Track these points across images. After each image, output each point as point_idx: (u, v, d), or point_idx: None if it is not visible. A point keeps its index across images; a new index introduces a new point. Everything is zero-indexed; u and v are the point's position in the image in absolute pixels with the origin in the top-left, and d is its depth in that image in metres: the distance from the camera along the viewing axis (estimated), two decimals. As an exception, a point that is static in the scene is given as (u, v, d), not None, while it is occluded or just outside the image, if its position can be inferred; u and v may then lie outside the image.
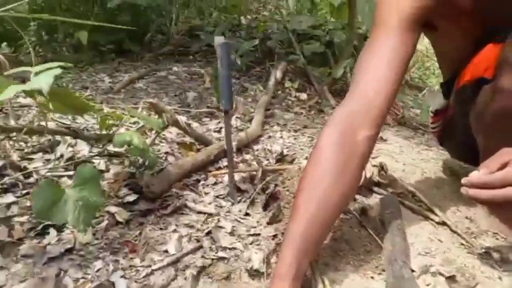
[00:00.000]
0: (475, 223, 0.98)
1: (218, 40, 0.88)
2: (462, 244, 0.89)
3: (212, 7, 3.06)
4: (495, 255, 0.85)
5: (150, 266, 0.76)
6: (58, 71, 0.81)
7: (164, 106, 1.13)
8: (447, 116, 1.07)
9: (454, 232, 0.93)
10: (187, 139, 1.30)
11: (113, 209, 0.89)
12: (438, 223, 0.96)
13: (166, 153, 1.20)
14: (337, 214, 0.75)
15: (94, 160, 1.05)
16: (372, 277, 0.79)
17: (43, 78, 0.81)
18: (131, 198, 0.94)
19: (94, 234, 0.80)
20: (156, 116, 1.12)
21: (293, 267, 0.65)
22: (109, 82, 1.88)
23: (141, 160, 1.04)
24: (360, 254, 0.85)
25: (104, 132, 1.05)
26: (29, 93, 0.85)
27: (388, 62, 0.76)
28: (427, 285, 0.77)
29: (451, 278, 0.78)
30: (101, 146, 1.06)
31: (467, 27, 0.84)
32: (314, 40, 2.34)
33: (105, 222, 0.85)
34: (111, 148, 1.08)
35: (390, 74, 0.76)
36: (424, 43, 2.64)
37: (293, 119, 1.69)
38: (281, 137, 1.50)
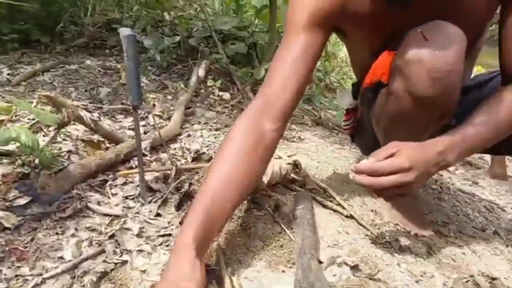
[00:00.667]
0: (379, 215, 1.04)
1: (124, 31, 0.82)
2: (367, 235, 0.94)
3: (132, 1, 2.91)
4: (395, 244, 0.91)
5: (41, 274, 0.68)
6: None
7: (64, 100, 1.03)
8: (357, 115, 1.13)
9: (360, 224, 0.98)
10: (96, 136, 1.20)
11: (-2, 213, 0.78)
12: (346, 216, 1.00)
13: (69, 151, 1.10)
14: (241, 194, 0.75)
15: (-23, 159, 0.91)
16: (283, 271, 0.79)
17: None
18: (22, 201, 0.84)
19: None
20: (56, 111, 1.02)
21: (194, 241, 0.64)
22: (8, 74, 1.67)
23: (36, 160, 0.93)
24: (272, 249, 0.85)
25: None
26: None
27: (295, 60, 0.79)
28: (334, 275, 0.80)
29: (355, 268, 0.82)
30: (-13, 143, 0.93)
31: (370, 36, 0.89)
32: (238, 41, 2.34)
33: (-13, 228, 0.74)
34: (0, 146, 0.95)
35: (296, 72, 0.79)
36: (344, 50, 2.81)
37: (215, 118, 1.66)
38: (201, 135, 1.47)
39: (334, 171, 1.24)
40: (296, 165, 1.10)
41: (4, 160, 0.94)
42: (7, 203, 0.82)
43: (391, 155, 0.73)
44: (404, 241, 0.93)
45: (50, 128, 1.17)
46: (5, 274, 0.66)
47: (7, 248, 0.72)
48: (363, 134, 1.15)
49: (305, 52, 0.80)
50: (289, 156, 1.22)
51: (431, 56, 0.73)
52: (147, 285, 0.71)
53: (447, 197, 1.24)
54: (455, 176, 1.48)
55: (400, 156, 0.73)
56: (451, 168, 1.52)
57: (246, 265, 0.80)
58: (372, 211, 1.06)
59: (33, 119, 1.18)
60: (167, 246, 0.83)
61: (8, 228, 0.77)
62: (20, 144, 0.79)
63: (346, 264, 0.83)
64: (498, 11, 0.84)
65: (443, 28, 0.75)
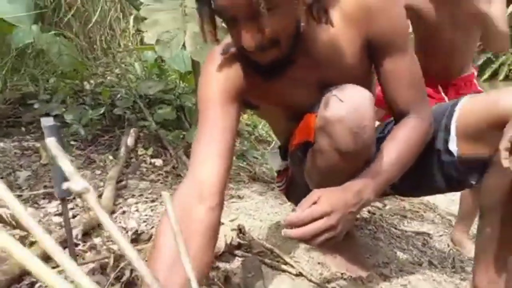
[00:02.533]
0: (326, 267, 1.07)
1: (45, 121, 0.79)
2: (317, 291, 0.96)
3: (48, 73, 2.80)
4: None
5: None
6: None
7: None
8: (288, 175, 1.18)
9: (310, 280, 0.99)
10: (17, 231, 1.09)
11: None
12: (296, 275, 1.01)
13: (-13, 255, 0.97)
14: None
15: None
16: None
17: None
18: None
19: None
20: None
21: None
22: None
23: None
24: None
25: None
26: None
27: (216, 136, 0.81)
28: None
29: None
30: None
31: (276, 107, 0.97)
32: (165, 105, 2.35)
33: None
34: None
35: (219, 149, 0.80)
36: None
37: (150, 188, 1.61)
38: (137, 210, 1.41)
39: (277, 229, 1.26)
40: (240, 230, 1.10)
41: None
42: None
43: (314, 203, 0.79)
44: (352, 291, 0.96)
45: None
46: None
47: None
48: (297, 192, 1.19)
49: (224, 126, 0.82)
50: (231, 221, 1.22)
51: (349, 114, 0.81)
52: None
53: (382, 235, 1.32)
54: (385, 211, 1.59)
55: (320, 202, 0.78)
56: (379, 205, 1.63)
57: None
58: (319, 263, 1.09)
59: None
60: None
61: None
62: None
63: None
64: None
65: (352, 90, 0.84)
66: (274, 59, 0.79)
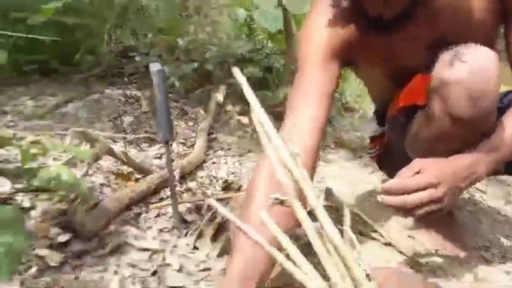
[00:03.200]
0: (418, 242, 1.02)
1: (154, 67, 0.83)
2: (408, 263, 0.92)
3: (147, 28, 2.97)
4: (439, 272, 0.89)
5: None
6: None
7: (96, 135, 1.04)
8: (383, 142, 1.12)
9: (400, 252, 0.96)
10: (125, 167, 1.21)
11: (43, 251, 0.78)
12: (384, 244, 0.98)
13: (102, 184, 1.10)
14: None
15: (17, 197, 0.92)
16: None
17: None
18: (64, 238, 0.83)
19: (22, 283, 0.69)
20: (87, 145, 1.03)
21: None
22: (33, 106, 1.70)
23: (72, 195, 0.94)
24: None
25: (27, 165, 0.93)
26: None
27: (315, 99, 0.78)
28: None
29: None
30: (24, 182, 0.94)
31: (379, 63, 0.90)
32: (253, 64, 2.37)
33: (34, 267, 0.73)
34: (37, 181, 0.96)
35: (317, 110, 0.77)
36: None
37: (237, 143, 1.67)
38: (226, 162, 1.47)
39: (365, 196, 1.23)
40: (328, 192, 1.10)
41: (41, 196, 0.95)
42: (50, 241, 0.82)
43: (417, 173, 0.73)
44: (448, 268, 0.90)
45: (80, 162, 1.18)
46: (54, 318, 0.65)
47: (56, 287, 0.71)
48: (392, 161, 1.13)
49: (324, 89, 0.79)
50: (318, 183, 1.21)
51: (470, 77, 0.73)
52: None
53: (484, 219, 1.22)
54: (487, 195, 1.46)
55: (427, 172, 0.73)
56: (482, 187, 1.49)
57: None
58: (409, 237, 1.04)
59: (64, 151, 1.20)
60: (207, 281, 0.81)
61: (52, 267, 0.77)
62: (61, 181, 0.79)
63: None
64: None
65: (476, 50, 0.75)
66: (398, 11, 0.73)
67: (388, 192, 0.72)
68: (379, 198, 0.74)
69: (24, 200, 0.91)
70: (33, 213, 0.89)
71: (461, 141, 0.81)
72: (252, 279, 0.62)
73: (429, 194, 0.71)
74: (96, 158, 1.02)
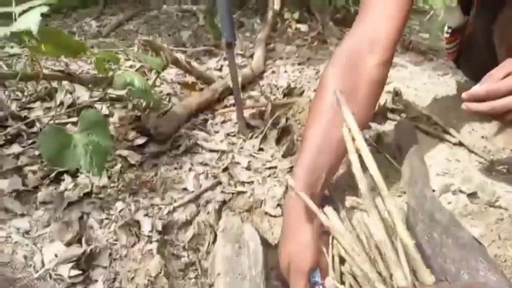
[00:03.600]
0: (491, 142, 0.96)
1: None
2: (480, 162, 0.89)
3: None
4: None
5: (171, 204, 0.75)
6: (45, 8, 0.74)
7: (161, 44, 1.06)
8: (465, 35, 1.01)
9: (471, 151, 0.92)
10: (188, 78, 1.24)
11: (124, 152, 0.86)
12: (454, 144, 0.94)
13: (169, 94, 1.16)
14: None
15: (96, 106, 1.00)
16: (393, 200, 0.79)
17: (30, 17, 0.74)
18: (141, 141, 0.91)
19: (109, 178, 0.79)
20: (154, 56, 1.06)
21: (308, 188, 0.62)
22: (97, 26, 1.77)
23: (144, 103, 1.00)
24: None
25: (101, 75, 0.99)
26: (16, 36, 0.78)
27: None
28: (449, 203, 0.77)
29: (472, 195, 0.78)
30: (101, 90, 1.01)
31: None
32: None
33: (119, 165, 0.83)
34: (111, 92, 1.03)
35: (399, 9, 0.69)
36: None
37: (296, 52, 1.62)
38: (285, 71, 1.45)
39: (435, 98, 1.16)
40: (396, 93, 1.04)
41: (117, 104, 1.03)
42: (128, 143, 0.90)
43: (509, 74, 0.64)
44: (524, 167, 0.85)
45: (148, 74, 1.23)
46: (143, 203, 0.74)
47: (138, 182, 0.80)
48: (473, 55, 1.03)
49: None
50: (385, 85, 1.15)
51: None
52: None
53: None
54: None
55: None
56: None
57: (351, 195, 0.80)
58: (482, 137, 0.98)
59: (131, 67, 1.25)
60: (274, 177, 0.86)
61: (134, 165, 0.85)
62: (135, 88, 0.84)
63: (462, 191, 0.79)
64: None
65: None
66: None
67: (475, 98, 0.64)
68: (464, 105, 0.66)
69: (102, 108, 0.99)
70: (111, 119, 0.97)
71: None
72: (322, 169, 0.64)
73: None
74: (164, 66, 1.05)
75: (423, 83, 1.28)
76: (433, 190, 0.79)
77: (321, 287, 0.60)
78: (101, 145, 0.74)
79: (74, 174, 0.78)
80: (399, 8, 0.70)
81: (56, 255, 0.59)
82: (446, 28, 1.08)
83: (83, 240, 0.64)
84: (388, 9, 0.70)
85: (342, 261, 0.57)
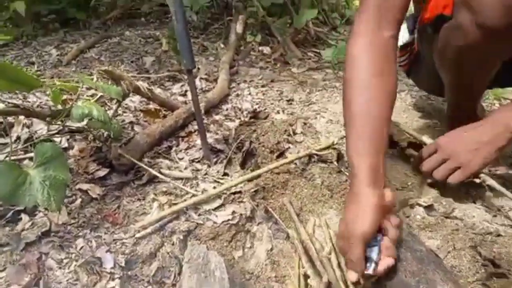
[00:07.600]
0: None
1: (172, -6, 0.81)
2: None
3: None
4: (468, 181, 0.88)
5: (134, 235, 0.74)
6: (-3, 43, 0.73)
7: (121, 73, 1.06)
8: (413, 51, 1.08)
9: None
10: (152, 106, 1.24)
11: (84, 186, 0.84)
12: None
13: (131, 122, 1.14)
14: (389, 110, 0.72)
15: (54, 139, 0.98)
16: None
17: (-19, 52, 0.72)
18: (102, 173, 0.90)
19: (69, 214, 0.76)
20: (114, 85, 1.05)
21: (369, 172, 0.66)
22: (57, 55, 1.73)
23: (106, 133, 0.98)
24: (341, 197, 0.87)
25: (59, 107, 0.97)
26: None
27: None
28: (407, 216, 0.80)
29: (429, 207, 0.82)
30: (59, 123, 0.99)
31: None
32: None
33: (79, 200, 0.80)
34: (70, 124, 1.01)
35: None
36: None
37: (259, 74, 1.65)
38: (249, 93, 1.47)
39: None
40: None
41: (77, 136, 1.00)
42: (89, 176, 0.89)
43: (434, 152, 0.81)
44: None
45: (109, 103, 1.22)
46: (104, 239, 0.72)
47: (99, 216, 0.78)
48: (421, 70, 1.10)
49: None
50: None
51: None
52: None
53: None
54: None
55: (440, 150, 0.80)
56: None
57: (316, 214, 0.82)
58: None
59: (92, 96, 1.24)
60: (241, 202, 0.86)
61: (95, 199, 0.83)
62: (93, 119, 0.83)
63: (419, 205, 0.83)
64: None
65: None
66: None
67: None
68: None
69: (61, 140, 0.97)
70: (71, 152, 0.95)
71: (488, 56, 0.76)
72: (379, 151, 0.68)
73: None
74: (124, 95, 1.04)
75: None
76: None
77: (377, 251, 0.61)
78: (58, 179, 0.72)
79: (32, 212, 0.75)
80: None
81: (10, 302, 0.57)
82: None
83: (41, 283, 0.61)
84: None
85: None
